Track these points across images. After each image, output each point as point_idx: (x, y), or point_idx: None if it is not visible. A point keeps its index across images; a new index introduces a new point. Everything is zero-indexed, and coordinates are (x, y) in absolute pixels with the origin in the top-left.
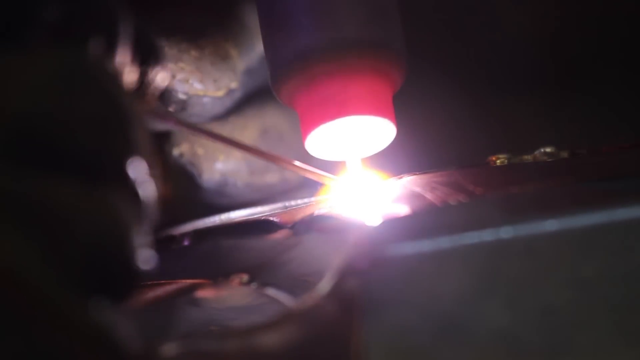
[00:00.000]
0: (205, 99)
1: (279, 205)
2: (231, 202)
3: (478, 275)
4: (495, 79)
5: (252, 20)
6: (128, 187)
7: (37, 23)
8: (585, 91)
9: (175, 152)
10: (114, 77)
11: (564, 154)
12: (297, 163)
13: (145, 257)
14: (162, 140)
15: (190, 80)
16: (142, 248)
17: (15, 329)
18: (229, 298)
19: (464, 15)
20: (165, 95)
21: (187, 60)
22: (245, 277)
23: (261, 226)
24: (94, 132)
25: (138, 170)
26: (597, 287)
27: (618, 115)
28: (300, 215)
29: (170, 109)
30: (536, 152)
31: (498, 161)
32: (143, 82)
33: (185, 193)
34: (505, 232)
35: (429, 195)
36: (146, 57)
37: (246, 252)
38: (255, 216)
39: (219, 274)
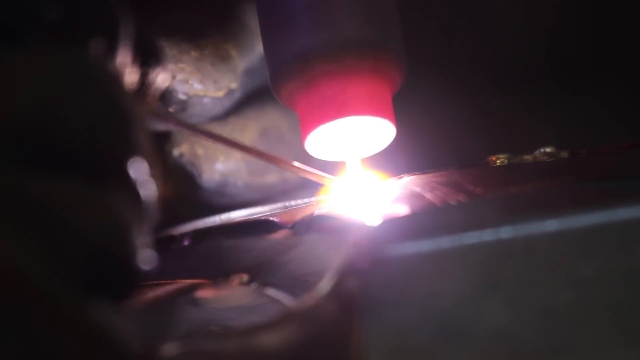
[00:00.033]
0: (206, 100)
1: (279, 205)
2: (231, 202)
3: (478, 275)
4: (494, 80)
5: (252, 21)
6: (129, 187)
7: (38, 23)
8: (585, 91)
9: (176, 152)
10: (115, 78)
11: (564, 154)
12: (296, 164)
13: (146, 257)
14: (163, 141)
15: (190, 81)
16: (142, 248)
17: (15, 328)
18: (229, 298)
19: (464, 16)
20: (166, 95)
21: (187, 61)
22: (245, 277)
23: (261, 226)
24: (94, 133)
25: (139, 170)
26: (597, 287)
27: (618, 115)
28: (300, 215)
29: (171, 109)
30: (536, 152)
31: (498, 161)
32: (144, 82)
33: (185, 193)
34: (505, 232)
35: (428, 195)
36: (147, 58)
37: (246, 252)
38: (255, 216)
39: (219, 274)
